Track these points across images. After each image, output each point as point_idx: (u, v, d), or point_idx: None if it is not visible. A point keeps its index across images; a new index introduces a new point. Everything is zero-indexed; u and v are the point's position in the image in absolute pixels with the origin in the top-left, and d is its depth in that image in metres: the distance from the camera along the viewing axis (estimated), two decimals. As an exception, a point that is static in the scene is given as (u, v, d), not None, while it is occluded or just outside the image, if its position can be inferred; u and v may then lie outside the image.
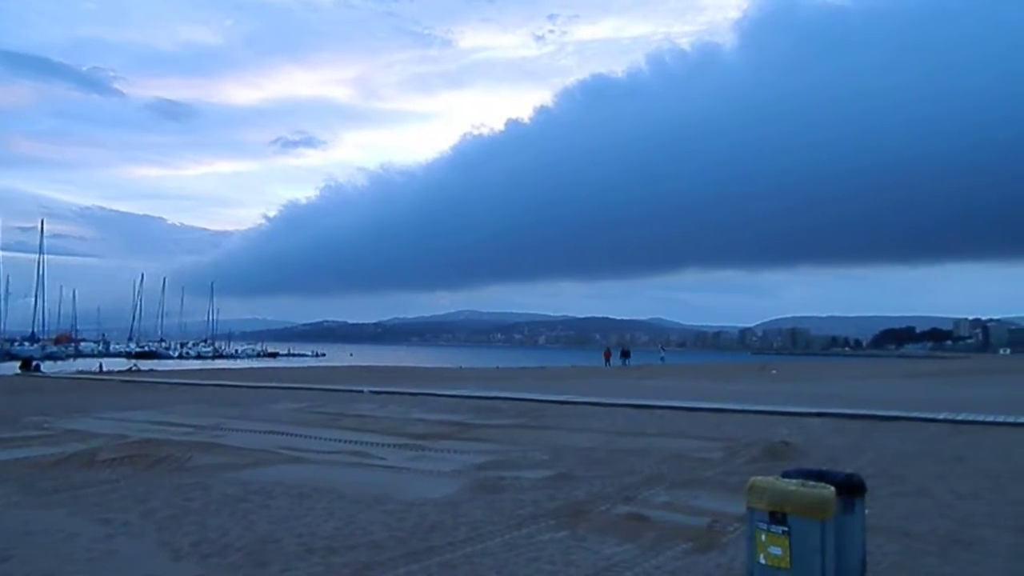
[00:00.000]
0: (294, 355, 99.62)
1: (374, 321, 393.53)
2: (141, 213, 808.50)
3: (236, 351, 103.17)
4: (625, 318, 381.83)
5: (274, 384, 25.12)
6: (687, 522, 6.19)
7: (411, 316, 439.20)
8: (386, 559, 5.18)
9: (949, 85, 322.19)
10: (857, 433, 11.98)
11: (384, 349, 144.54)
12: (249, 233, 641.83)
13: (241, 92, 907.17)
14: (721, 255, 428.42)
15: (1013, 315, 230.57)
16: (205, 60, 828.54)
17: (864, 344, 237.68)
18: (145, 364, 49.69)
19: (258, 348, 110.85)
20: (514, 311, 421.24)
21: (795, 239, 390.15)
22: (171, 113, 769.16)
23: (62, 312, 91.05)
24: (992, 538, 5.73)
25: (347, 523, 6.19)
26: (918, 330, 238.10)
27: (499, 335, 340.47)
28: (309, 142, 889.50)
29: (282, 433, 12.08)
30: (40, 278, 77.96)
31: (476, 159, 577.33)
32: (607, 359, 50.85)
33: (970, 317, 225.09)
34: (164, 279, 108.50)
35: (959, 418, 13.63)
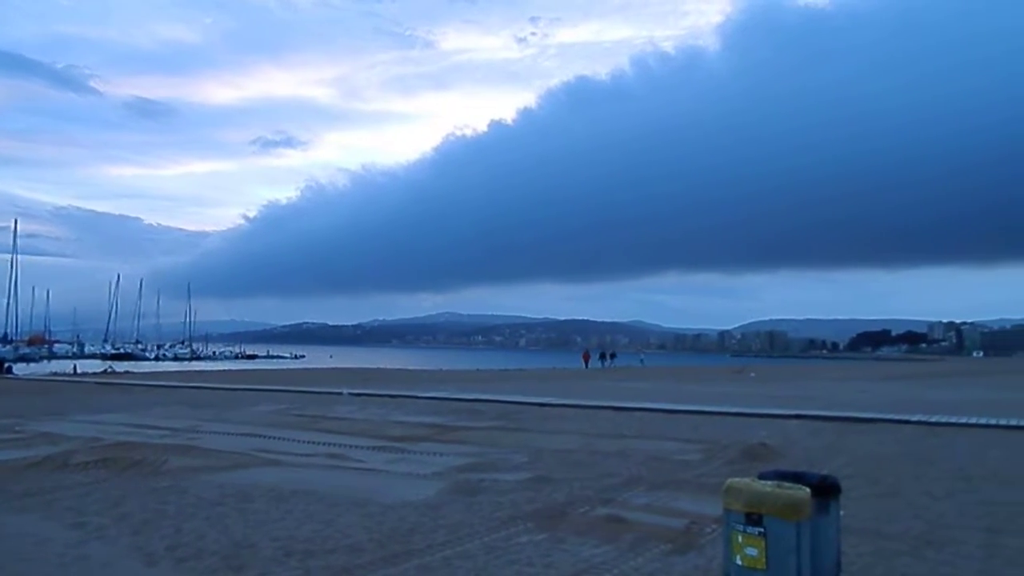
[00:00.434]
0: (273, 357, 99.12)
1: (354, 323, 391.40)
2: (117, 213, 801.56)
3: (214, 353, 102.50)
4: (606, 320, 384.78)
5: (252, 386, 24.92)
6: (665, 524, 6.22)
7: (392, 318, 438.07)
8: (365, 562, 5.16)
9: (927, 92, 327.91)
10: (833, 435, 12.12)
11: (364, 351, 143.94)
12: (228, 234, 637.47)
13: (220, 91, 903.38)
14: (702, 258, 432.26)
15: (986, 318, 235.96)
16: (184, 59, 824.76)
17: (841, 347, 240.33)
18: (121, 366, 49.22)
19: (236, 350, 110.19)
20: (495, 313, 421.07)
21: (775, 243, 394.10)
22: (148, 112, 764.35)
23: (35, 313, 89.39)
24: (964, 539, 5.80)
25: (326, 526, 6.15)
26: (894, 333, 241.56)
27: (480, 337, 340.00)
28: (289, 142, 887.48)
29: (260, 436, 11.99)
30: (13, 279, 77.11)
31: (458, 160, 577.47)
32: (586, 362, 51.41)
33: (944, 320, 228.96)
34: (141, 280, 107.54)
35: (933, 420, 13.83)
